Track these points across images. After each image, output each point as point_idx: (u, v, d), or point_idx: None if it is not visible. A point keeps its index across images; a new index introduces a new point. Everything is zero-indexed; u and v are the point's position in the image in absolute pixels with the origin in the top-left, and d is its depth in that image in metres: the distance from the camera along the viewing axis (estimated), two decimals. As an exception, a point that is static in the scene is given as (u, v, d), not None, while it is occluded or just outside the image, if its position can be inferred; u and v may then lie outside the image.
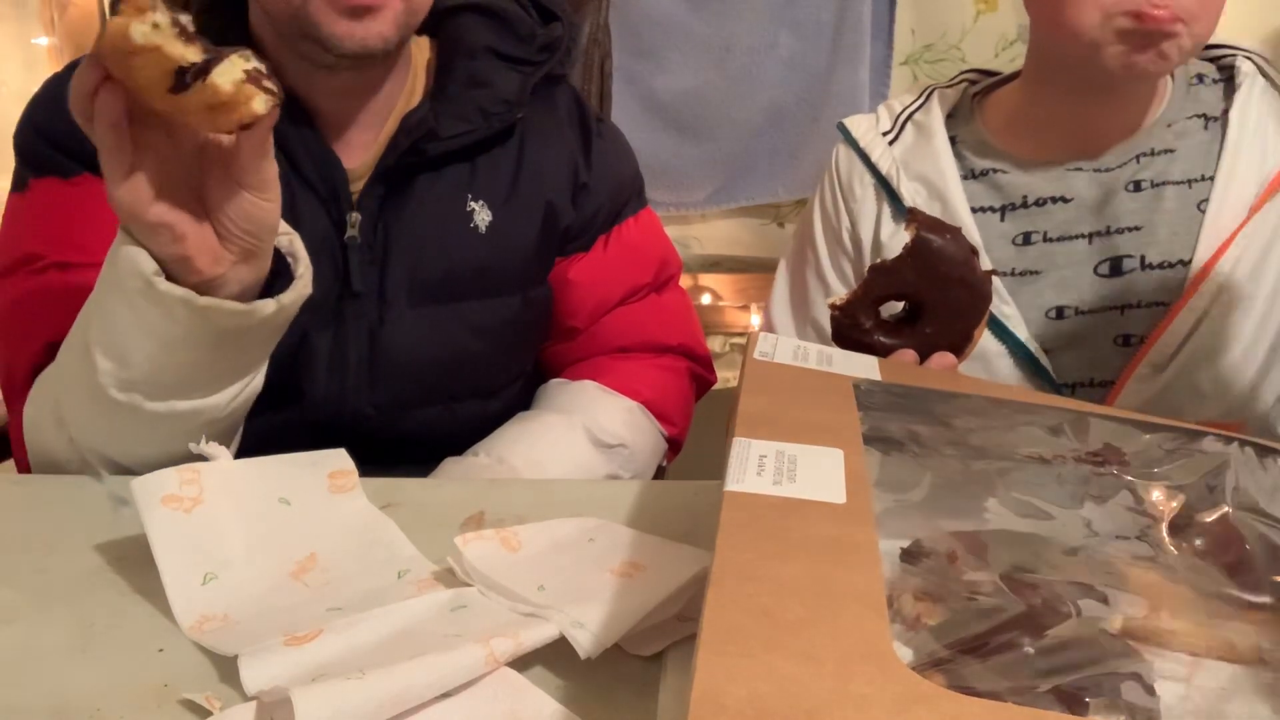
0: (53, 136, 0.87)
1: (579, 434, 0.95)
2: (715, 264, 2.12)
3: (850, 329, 0.77)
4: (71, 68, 0.92)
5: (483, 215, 0.93)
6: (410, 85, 0.95)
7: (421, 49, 0.98)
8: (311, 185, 0.89)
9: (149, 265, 0.67)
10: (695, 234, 2.08)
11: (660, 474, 1.04)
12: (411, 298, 0.92)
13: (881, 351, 0.76)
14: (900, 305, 0.78)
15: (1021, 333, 0.95)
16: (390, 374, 0.92)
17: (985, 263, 0.80)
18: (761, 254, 2.10)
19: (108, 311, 0.70)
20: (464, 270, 0.93)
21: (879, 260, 0.77)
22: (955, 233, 0.76)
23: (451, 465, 0.92)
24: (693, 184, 1.99)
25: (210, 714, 0.51)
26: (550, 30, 0.98)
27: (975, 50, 1.90)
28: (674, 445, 1.05)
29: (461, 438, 0.95)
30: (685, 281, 2.16)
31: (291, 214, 0.88)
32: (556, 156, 0.98)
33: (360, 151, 0.92)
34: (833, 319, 0.78)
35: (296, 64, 0.88)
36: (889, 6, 1.88)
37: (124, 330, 0.70)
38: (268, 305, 0.71)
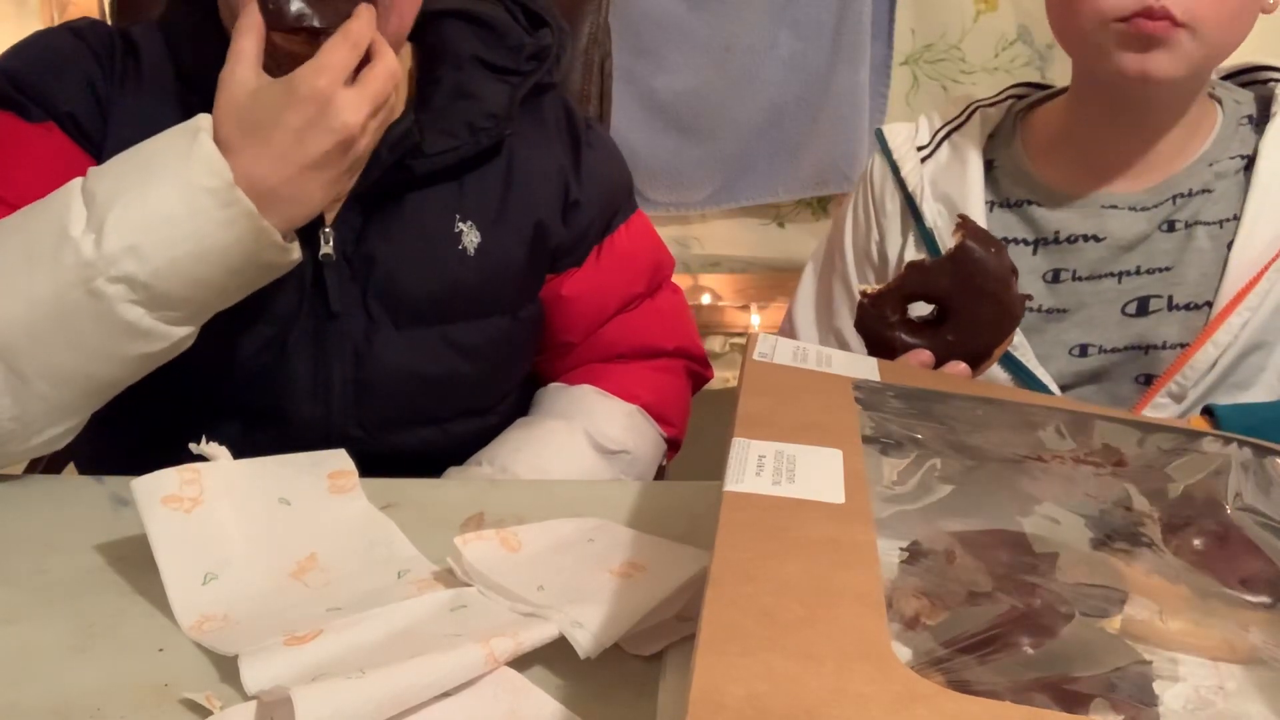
0: (23, 82, 0.84)
1: (580, 439, 0.94)
2: (715, 264, 2.12)
3: (874, 320, 0.77)
4: (58, 29, 0.89)
5: (471, 236, 0.91)
6: (393, 93, 0.93)
7: (404, 55, 0.94)
8: None
9: (229, 170, 0.70)
10: (695, 234, 2.08)
11: (660, 474, 1.04)
12: (398, 319, 0.90)
13: (899, 348, 0.76)
14: (928, 307, 0.78)
15: (1030, 363, 0.94)
16: (377, 396, 0.90)
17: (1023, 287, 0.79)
18: (761, 254, 2.10)
19: (148, 198, 0.69)
20: (453, 292, 0.91)
21: (919, 259, 0.77)
22: (1000, 249, 0.76)
23: (455, 474, 0.91)
24: (693, 184, 1.99)
25: (210, 714, 0.51)
26: (539, 38, 0.96)
27: (975, 50, 1.90)
28: (673, 445, 1.05)
29: (457, 454, 0.94)
30: (685, 281, 2.16)
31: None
32: (546, 172, 0.95)
33: None
34: (859, 306, 0.78)
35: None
36: (889, 6, 1.88)
37: (161, 221, 0.69)
38: (297, 249, 0.76)
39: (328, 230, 0.87)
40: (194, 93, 0.85)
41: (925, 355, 0.76)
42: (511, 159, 0.94)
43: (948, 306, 0.77)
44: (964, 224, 0.77)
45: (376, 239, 0.88)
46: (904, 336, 0.77)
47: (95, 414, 0.98)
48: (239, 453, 0.68)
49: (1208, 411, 0.77)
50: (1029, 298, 0.79)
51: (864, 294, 0.77)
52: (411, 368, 0.91)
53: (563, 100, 1.01)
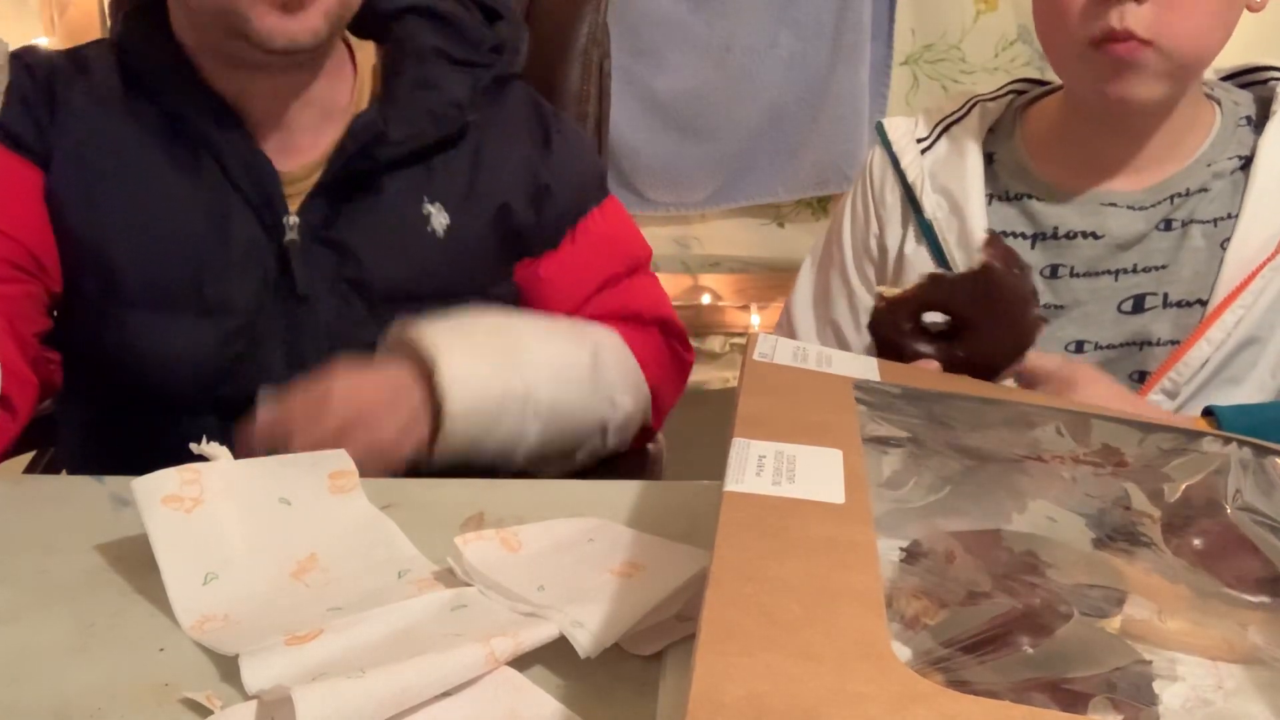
0: None
1: (552, 320, 0.96)
2: (715, 264, 2.12)
3: (888, 326, 0.77)
4: None
5: (440, 218, 0.93)
6: (358, 90, 0.95)
7: (367, 53, 0.97)
8: (241, 190, 0.89)
9: None
10: (695, 234, 2.09)
11: (660, 474, 1.04)
12: (370, 301, 0.91)
13: (909, 356, 0.76)
14: (942, 318, 0.78)
15: None
16: None
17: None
18: (761, 254, 2.10)
19: None
20: (422, 273, 0.93)
21: (941, 271, 0.77)
22: (1025, 271, 0.76)
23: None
24: (693, 184, 1.99)
25: (211, 713, 0.51)
26: (498, 31, 0.98)
27: (975, 50, 1.90)
28: (657, 409, 1.04)
29: None
30: (685, 281, 2.17)
31: (223, 221, 0.88)
32: (513, 157, 0.97)
33: (302, 155, 0.91)
34: (875, 309, 0.78)
35: (224, 68, 0.88)
36: (889, 6, 1.88)
37: None
38: None
39: (293, 218, 0.89)
40: (142, 97, 0.90)
41: (932, 365, 0.76)
42: (480, 144, 0.96)
43: (963, 322, 0.76)
44: (992, 242, 0.76)
45: (345, 224, 0.90)
46: (914, 345, 0.76)
47: (79, 417, 0.99)
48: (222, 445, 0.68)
49: (1209, 412, 0.77)
50: (1045, 321, 0.78)
51: (881, 296, 0.77)
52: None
53: (529, 92, 1.03)
